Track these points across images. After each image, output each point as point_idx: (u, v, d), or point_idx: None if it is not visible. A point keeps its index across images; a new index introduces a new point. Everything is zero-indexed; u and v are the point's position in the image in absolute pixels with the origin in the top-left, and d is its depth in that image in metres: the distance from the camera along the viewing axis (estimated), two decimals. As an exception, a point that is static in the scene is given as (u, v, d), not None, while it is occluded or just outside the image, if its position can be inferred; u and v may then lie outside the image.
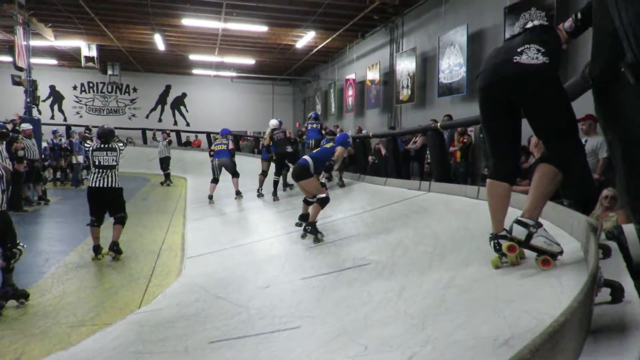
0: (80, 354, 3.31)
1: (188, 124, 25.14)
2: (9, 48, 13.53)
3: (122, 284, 5.31)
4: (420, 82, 12.12)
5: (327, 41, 16.06)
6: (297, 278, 4.25)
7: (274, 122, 10.43)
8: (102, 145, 6.46)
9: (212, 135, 21.26)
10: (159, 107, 25.38)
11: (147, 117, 25.01)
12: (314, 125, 10.58)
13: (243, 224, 8.26)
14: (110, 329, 3.82)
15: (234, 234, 7.32)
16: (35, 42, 14.96)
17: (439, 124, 7.41)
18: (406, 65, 12.57)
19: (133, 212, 10.31)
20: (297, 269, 4.63)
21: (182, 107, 25.65)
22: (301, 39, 16.02)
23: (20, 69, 13.15)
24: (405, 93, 12.68)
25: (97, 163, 6.39)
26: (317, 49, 17.30)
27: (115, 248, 6.44)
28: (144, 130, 22.81)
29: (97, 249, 6.43)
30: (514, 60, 2.65)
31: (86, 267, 6.09)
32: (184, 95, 25.57)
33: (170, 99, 25.49)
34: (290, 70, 22.34)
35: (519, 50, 2.69)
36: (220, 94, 25.27)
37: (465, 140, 8.51)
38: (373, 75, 14.86)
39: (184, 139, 23.45)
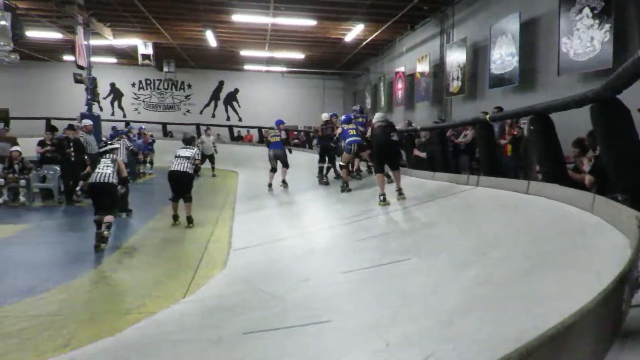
0: (125, 341, 3.44)
1: (240, 119, 25.58)
2: (71, 48, 14.21)
3: (170, 274, 5.47)
4: (471, 74, 11.79)
5: (376, 34, 15.89)
6: (337, 272, 4.25)
7: (325, 116, 11.10)
8: (185, 146, 8.63)
9: (263, 129, 21.62)
10: (213, 102, 25.95)
11: (201, 112, 25.63)
12: (360, 119, 10.50)
13: (289, 218, 8.32)
14: (155, 317, 3.96)
15: (280, 227, 7.40)
16: (95, 42, 15.58)
17: (487, 116, 7.19)
18: (456, 57, 12.26)
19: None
20: (338, 263, 4.63)
21: (234, 103, 26.11)
22: (350, 32, 15.92)
23: (82, 68, 13.77)
24: (455, 85, 12.38)
25: (177, 154, 8.40)
26: (366, 42, 17.15)
27: (189, 221, 8.18)
28: (197, 126, 23.38)
29: (175, 217, 8.34)
30: None
31: (137, 257, 6.32)
32: (237, 90, 26.01)
33: (223, 95, 26.01)
34: (339, 64, 22.27)
35: None
36: (271, 89, 25.54)
37: (515, 133, 8.20)
38: (423, 67, 14.59)
39: (235, 134, 23.91)
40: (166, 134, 23.30)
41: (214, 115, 25.61)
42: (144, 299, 4.60)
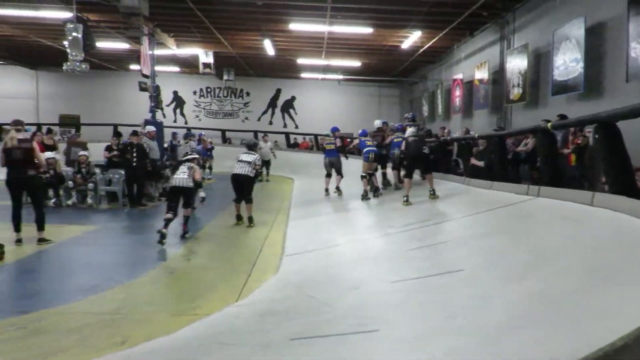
0: (178, 341, 3.55)
1: (297, 126, 25.88)
2: (137, 57, 14.89)
3: (224, 277, 5.59)
4: (533, 80, 11.40)
5: (434, 41, 15.69)
6: (387, 280, 4.21)
7: (377, 123, 11.34)
8: (247, 151, 9.28)
9: (319, 137, 21.78)
10: (270, 110, 26.40)
11: (258, 119, 26.13)
12: (411, 128, 10.33)
13: (343, 225, 8.33)
14: (207, 319, 4.06)
15: (333, 234, 7.41)
16: (159, 51, 16.25)
17: (549, 124, 6.92)
18: (517, 63, 11.90)
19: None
20: (389, 272, 4.59)
21: (291, 110, 26.46)
22: (407, 39, 15.80)
23: (146, 76, 14.40)
24: (515, 92, 12.00)
25: (239, 159, 9.04)
26: (423, 49, 16.96)
27: (250, 220, 8.84)
28: (255, 133, 23.84)
29: (238, 217, 9.03)
30: None
31: (193, 259, 6.52)
32: (293, 98, 26.35)
33: (280, 102, 26.41)
34: (396, 71, 22.13)
35: None
36: (327, 97, 25.70)
37: (579, 142, 7.86)
38: (481, 74, 14.26)
39: (292, 141, 24.19)
40: (225, 140, 23.91)
41: (271, 123, 26.04)
42: (198, 300, 4.73)
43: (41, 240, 6.97)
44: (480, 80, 14.38)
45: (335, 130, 11.98)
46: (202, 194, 7.92)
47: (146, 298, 4.82)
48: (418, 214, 7.15)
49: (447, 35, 14.90)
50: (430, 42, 15.95)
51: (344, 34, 15.55)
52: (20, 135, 6.97)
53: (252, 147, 9.52)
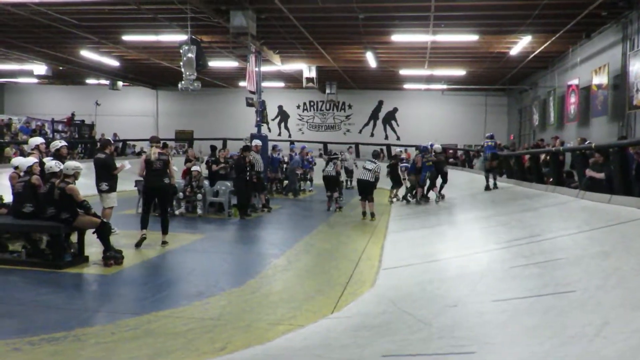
0: (272, 350, 3.59)
1: (398, 138, 25.62)
2: (245, 74, 15.63)
3: (320, 289, 5.61)
4: (661, 84, 10.32)
5: (546, 45, 14.77)
6: (489, 299, 3.95)
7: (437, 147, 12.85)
8: (370, 159, 11.41)
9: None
10: (371, 122, 26.42)
11: (360, 132, 26.26)
12: (490, 143, 12.73)
13: (443, 239, 8.03)
14: (302, 330, 4.07)
15: (432, 248, 7.17)
16: (265, 68, 16.95)
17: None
18: (642, 65, 10.83)
19: (339, 222, 10.97)
20: (490, 290, 4.32)
21: (393, 122, 26.28)
22: (516, 45, 15.04)
23: (253, 92, 15.05)
24: (640, 97, 10.93)
25: (364, 167, 11.24)
26: (534, 54, 16.02)
27: (372, 215, 11.07)
28: (357, 145, 23.96)
29: (364, 214, 11.22)
30: None
31: (292, 270, 6.62)
32: (395, 109, 26.17)
33: (382, 114, 26.35)
34: (504, 79, 21.16)
35: None
36: (430, 107, 25.21)
37: None
38: (600, 79, 13.15)
39: (393, 152, 23.91)
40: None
41: (372, 135, 26.05)
42: (294, 311, 4.78)
43: (164, 243, 7.78)
44: (599, 86, 13.28)
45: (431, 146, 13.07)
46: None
47: (246, 306, 4.95)
48: (526, 229, 6.69)
49: (560, 38, 13.97)
50: (542, 47, 15.05)
51: (448, 42, 15.19)
52: (159, 150, 7.98)
53: (376, 156, 11.88)
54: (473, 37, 14.34)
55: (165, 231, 7.84)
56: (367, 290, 5.30)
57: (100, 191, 8.07)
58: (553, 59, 17.29)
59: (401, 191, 13.91)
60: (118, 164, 8.45)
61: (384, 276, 5.82)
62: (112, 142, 9.66)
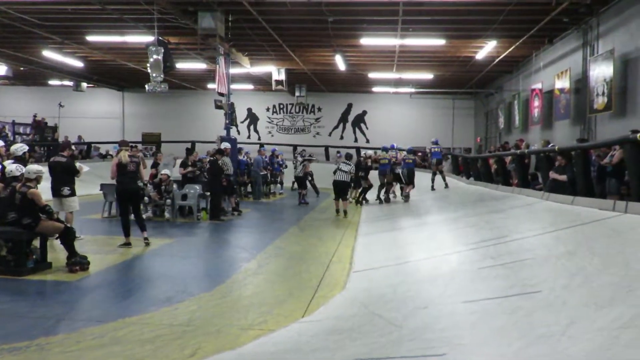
0: (244, 356, 3.55)
1: (368, 141, 25.77)
2: (213, 77, 15.47)
3: (290, 293, 5.58)
4: (620, 88, 10.66)
5: (510, 50, 15.13)
6: (459, 300, 4.00)
7: None
8: (345, 161, 12.26)
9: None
10: (341, 124, 26.52)
11: (330, 134, 26.31)
12: (436, 149, 14.59)
13: (413, 241, 8.10)
14: (273, 335, 4.04)
15: (403, 250, 7.23)
16: (234, 70, 16.80)
17: (638, 135, 6.39)
18: (602, 70, 11.18)
19: (310, 224, 10.97)
20: (460, 291, 4.37)
21: (362, 125, 26.43)
22: (482, 49, 15.35)
23: (222, 95, 14.89)
24: (600, 101, 11.27)
25: (340, 168, 11.98)
26: (499, 58, 16.40)
27: (345, 213, 11.87)
28: (326, 148, 24.03)
29: (337, 211, 11.99)
30: None
31: (262, 274, 6.56)
32: (365, 112, 26.33)
33: (351, 117, 26.47)
34: (470, 83, 21.56)
35: None
36: (399, 111, 25.47)
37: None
38: (562, 83, 13.54)
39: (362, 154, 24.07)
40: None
41: (342, 137, 26.14)
42: (265, 315, 4.73)
43: (146, 239, 8.07)
44: (561, 90, 13.66)
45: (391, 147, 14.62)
46: None
47: (216, 311, 4.89)
48: (492, 231, 6.81)
49: (524, 43, 14.34)
50: (507, 52, 15.41)
51: (416, 46, 15.39)
52: (129, 153, 8.10)
53: (349, 157, 12.59)
54: (440, 42, 14.56)
55: (144, 229, 8.09)
56: (338, 293, 5.30)
57: (61, 196, 7.84)
58: (518, 64, 17.72)
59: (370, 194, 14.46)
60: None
61: (355, 279, 5.83)
62: (71, 144, 9.41)
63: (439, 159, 14.53)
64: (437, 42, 14.63)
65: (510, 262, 5.03)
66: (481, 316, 3.34)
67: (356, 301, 4.66)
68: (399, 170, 13.93)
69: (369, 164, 14.45)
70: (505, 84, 19.78)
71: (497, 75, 20.08)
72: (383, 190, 14.08)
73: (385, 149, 14.59)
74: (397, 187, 14.44)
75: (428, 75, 20.13)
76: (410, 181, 13.75)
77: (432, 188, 14.13)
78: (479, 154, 19.36)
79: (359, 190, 14.54)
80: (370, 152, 15.94)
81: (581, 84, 12.62)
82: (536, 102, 15.72)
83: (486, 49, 15.17)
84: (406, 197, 13.59)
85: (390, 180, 13.90)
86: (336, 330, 3.73)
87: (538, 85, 15.45)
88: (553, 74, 14.22)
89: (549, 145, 11.22)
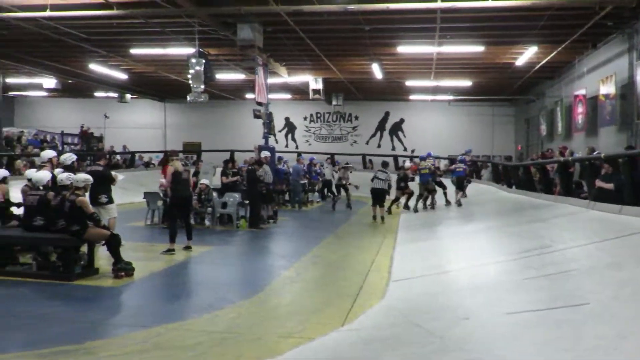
0: (283, 363, 3.57)
1: (405, 149, 25.59)
2: (252, 87, 15.73)
3: (329, 301, 5.59)
4: (670, 93, 10.27)
5: (552, 55, 14.77)
6: (501, 312, 3.93)
7: None
8: (381, 169, 13.00)
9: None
10: (378, 133, 26.44)
11: (367, 143, 26.26)
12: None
13: (453, 250, 7.98)
14: (312, 343, 4.06)
15: (442, 260, 7.13)
16: (272, 80, 17.03)
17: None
18: (650, 75, 10.79)
19: (348, 232, 10.97)
20: (502, 302, 4.29)
21: (399, 133, 26.29)
22: (522, 55, 15.06)
23: (260, 104, 15.12)
24: (648, 107, 10.87)
25: (377, 177, 12.59)
26: (540, 64, 16.02)
27: (382, 219, 12.38)
28: (364, 156, 23.97)
29: (374, 217, 12.53)
30: None
31: (300, 282, 6.61)
32: (402, 120, 26.17)
33: (388, 125, 26.35)
34: (510, 89, 21.15)
35: None
36: (436, 118, 25.21)
37: None
38: (607, 89, 13.12)
39: (400, 163, 23.92)
40: (334, 164, 24.25)
41: (379, 146, 26.04)
42: (304, 323, 4.75)
43: (188, 248, 8.32)
44: (606, 96, 13.25)
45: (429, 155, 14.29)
46: None
47: (255, 318, 4.95)
48: (535, 241, 6.64)
49: (566, 48, 13.98)
50: (548, 57, 15.06)
51: (454, 53, 15.22)
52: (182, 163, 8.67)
53: (385, 165, 13.32)
54: (479, 48, 14.36)
55: (190, 236, 8.40)
56: (377, 303, 5.27)
57: (99, 203, 7.88)
58: (560, 69, 17.28)
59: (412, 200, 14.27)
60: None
61: (394, 288, 5.79)
62: (107, 154, 9.75)
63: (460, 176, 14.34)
64: (475, 48, 14.43)
65: (554, 273, 4.90)
66: (524, 328, 3.27)
67: (395, 311, 4.63)
68: (439, 180, 14.05)
69: (410, 175, 14.44)
70: (546, 90, 19.32)
71: (537, 81, 19.64)
72: (421, 200, 13.92)
73: (422, 158, 14.38)
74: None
75: (466, 83, 19.87)
76: (460, 188, 14.02)
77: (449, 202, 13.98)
78: (520, 161, 18.94)
79: (399, 199, 14.49)
80: (408, 163, 15.98)
81: (627, 90, 12.21)
82: (580, 109, 15.28)
83: (526, 55, 14.87)
84: (458, 203, 13.66)
85: (431, 189, 13.77)
86: (375, 339, 3.72)
87: (581, 91, 15.03)
88: (597, 80, 13.80)
89: (594, 153, 10.88)
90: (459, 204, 13.65)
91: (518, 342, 2.98)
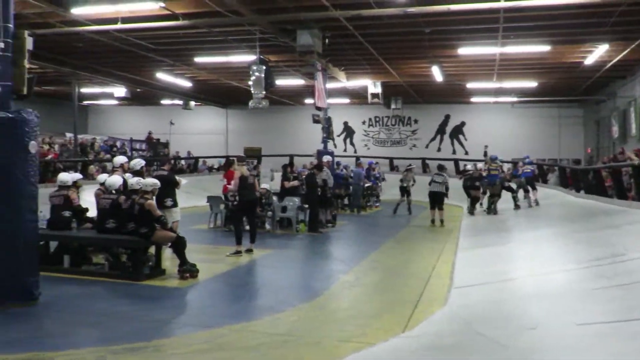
0: (344, 368, 3.57)
1: (467, 153, 24.99)
2: (311, 92, 15.90)
3: (390, 307, 5.54)
4: None
5: (624, 53, 14.00)
6: (570, 322, 3.76)
7: None
8: (438, 172, 12.88)
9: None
10: (438, 136, 25.98)
11: (426, 146, 25.86)
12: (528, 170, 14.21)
13: (517, 257, 7.72)
14: (372, 348, 4.04)
15: (506, 266, 6.91)
16: (331, 85, 17.14)
17: None
18: None
19: (407, 238, 10.85)
20: (570, 312, 4.11)
21: (460, 136, 25.72)
22: (591, 54, 14.38)
23: (319, 109, 15.26)
24: None
25: (433, 180, 12.57)
26: (611, 63, 15.23)
27: (442, 222, 12.38)
28: (423, 160, 23.60)
29: (432, 221, 12.46)
30: None
31: (360, 286, 6.60)
32: (463, 123, 25.59)
33: (449, 129, 25.83)
34: (578, 90, 20.23)
35: None
36: (499, 121, 24.46)
37: None
38: (688, 87, 12.32)
39: (461, 167, 23.39)
40: (392, 168, 24.06)
41: (439, 149, 25.58)
42: (363, 328, 4.73)
43: (250, 251, 8.49)
44: (686, 94, 12.42)
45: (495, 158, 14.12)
46: None
47: (315, 322, 4.98)
48: (606, 248, 6.31)
49: (640, 46, 13.24)
50: (620, 55, 14.29)
51: (518, 54, 14.77)
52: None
53: (441, 168, 13.21)
54: (544, 48, 13.84)
55: (253, 240, 8.57)
56: (439, 309, 5.17)
57: (164, 207, 8.12)
58: (633, 67, 16.36)
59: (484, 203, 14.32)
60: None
61: (456, 295, 5.66)
62: (171, 159, 10.16)
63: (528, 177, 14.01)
64: (541, 48, 13.92)
65: (629, 283, 4.64)
66: (596, 340, 3.12)
67: (457, 318, 4.54)
68: (507, 184, 13.88)
69: (483, 174, 14.20)
70: (618, 89, 18.35)
71: (608, 80, 18.68)
72: (492, 203, 13.62)
73: (492, 159, 14.24)
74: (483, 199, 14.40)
75: (531, 84, 19.18)
76: (533, 187, 13.84)
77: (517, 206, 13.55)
78: (590, 165, 18.08)
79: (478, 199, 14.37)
80: (480, 165, 15.61)
81: None
82: (656, 109, 14.42)
83: (596, 54, 14.19)
84: (535, 202, 13.50)
85: (498, 191, 13.51)
86: (436, 347, 3.67)
87: (658, 90, 14.18)
88: (676, 77, 12.99)
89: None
90: (536, 203, 13.44)
91: (590, 353, 2.85)
